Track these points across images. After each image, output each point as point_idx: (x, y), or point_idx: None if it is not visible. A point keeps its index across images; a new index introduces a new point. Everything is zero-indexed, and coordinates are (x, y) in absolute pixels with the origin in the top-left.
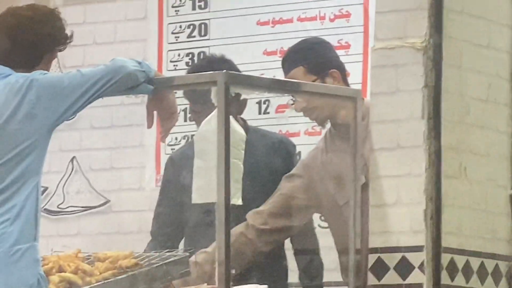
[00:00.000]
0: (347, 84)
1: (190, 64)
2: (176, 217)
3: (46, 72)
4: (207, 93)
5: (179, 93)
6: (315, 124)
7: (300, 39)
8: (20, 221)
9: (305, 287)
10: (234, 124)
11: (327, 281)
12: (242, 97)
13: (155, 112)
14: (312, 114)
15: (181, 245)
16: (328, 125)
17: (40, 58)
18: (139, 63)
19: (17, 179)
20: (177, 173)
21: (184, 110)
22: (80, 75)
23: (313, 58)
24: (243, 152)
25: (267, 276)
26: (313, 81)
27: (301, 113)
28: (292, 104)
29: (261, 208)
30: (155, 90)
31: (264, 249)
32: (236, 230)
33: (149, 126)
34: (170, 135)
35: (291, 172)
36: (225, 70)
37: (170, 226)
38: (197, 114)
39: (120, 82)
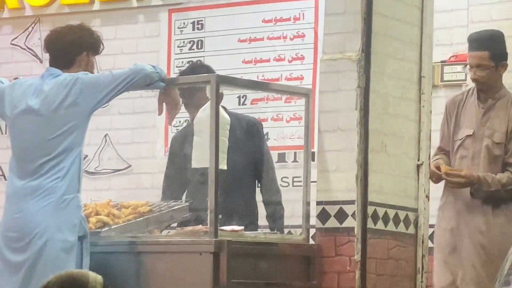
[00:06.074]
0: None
1: None
2: (179, 178)
3: (87, 72)
4: (197, 90)
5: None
6: (279, 112)
7: (270, 52)
8: (67, 179)
9: (271, 228)
10: (222, 112)
11: (286, 224)
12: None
13: (164, 103)
14: None
15: (184, 197)
16: None
17: (73, 60)
18: (154, 66)
19: (65, 149)
20: (179, 147)
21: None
22: (112, 75)
23: (498, 48)
24: (227, 132)
25: (243, 220)
26: (492, 67)
27: (269, 105)
28: None
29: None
30: (164, 87)
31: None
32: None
33: (160, 113)
34: (175, 119)
35: None
36: (216, 73)
37: (174, 185)
38: (188, 106)
39: (140, 80)
